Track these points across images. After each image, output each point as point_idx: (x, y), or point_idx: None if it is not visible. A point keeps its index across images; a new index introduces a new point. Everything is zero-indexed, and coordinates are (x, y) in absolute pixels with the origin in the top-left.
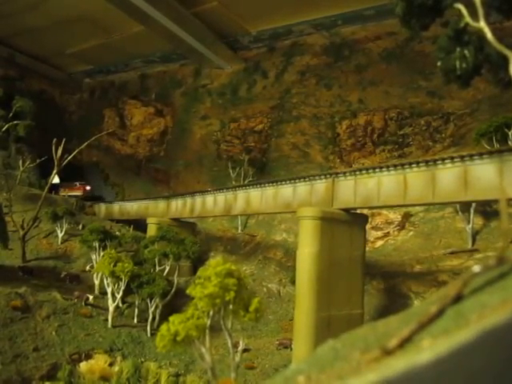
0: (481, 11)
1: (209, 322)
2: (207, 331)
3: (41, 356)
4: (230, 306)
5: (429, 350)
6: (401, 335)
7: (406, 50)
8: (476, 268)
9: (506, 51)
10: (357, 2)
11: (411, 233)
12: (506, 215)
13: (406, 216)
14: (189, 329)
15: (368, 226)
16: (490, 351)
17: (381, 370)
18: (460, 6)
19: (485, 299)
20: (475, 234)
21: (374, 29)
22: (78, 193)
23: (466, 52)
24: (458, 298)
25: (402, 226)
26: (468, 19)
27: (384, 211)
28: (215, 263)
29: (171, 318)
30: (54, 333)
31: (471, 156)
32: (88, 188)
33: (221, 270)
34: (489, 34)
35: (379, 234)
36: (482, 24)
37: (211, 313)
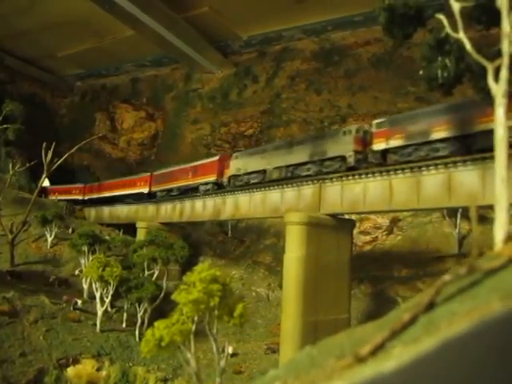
0: (460, 22)
1: (194, 328)
2: (192, 336)
3: (28, 361)
4: (215, 312)
5: (396, 358)
6: (374, 342)
7: (395, 56)
8: (447, 276)
9: (485, 62)
10: (346, 8)
11: (399, 237)
12: (476, 224)
13: (394, 221)
14: (173, 334)
15: (356, 231)
16: (452, 360)
17: (350, 377)
18: (441, 17)
19: (455, 307)
20: (462, 239)
21: (364, 34)
22: None
23: (447, 61)
24: (430, 306)
25: (390, 231)
26: (448, 30)
27: (372, 216)
28: (200, 269)
29: (156, 323)
30: (41, 337)
31: (455, 162)
32: None
33: (205, 276)
34: (468, 45)
35: (367, 238)
36: (462, 35)
37: (196, 318)
